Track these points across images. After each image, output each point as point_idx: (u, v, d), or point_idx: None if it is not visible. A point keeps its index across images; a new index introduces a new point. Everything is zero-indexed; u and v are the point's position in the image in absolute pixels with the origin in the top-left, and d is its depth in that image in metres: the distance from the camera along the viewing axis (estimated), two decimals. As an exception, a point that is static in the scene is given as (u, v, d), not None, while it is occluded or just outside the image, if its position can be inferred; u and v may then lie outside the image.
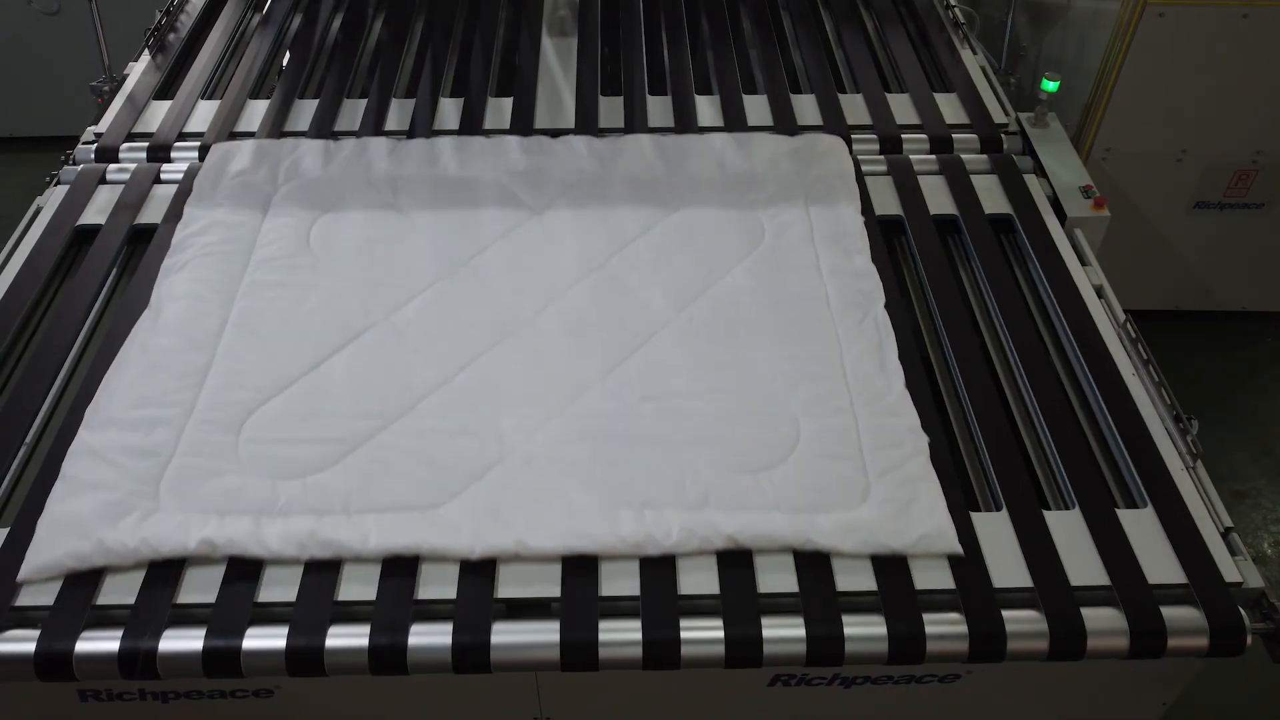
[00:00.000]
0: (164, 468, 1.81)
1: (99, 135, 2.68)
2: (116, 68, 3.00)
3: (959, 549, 1.72)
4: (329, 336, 2.08)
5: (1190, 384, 3.35)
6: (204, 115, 2.74)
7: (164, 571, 1.68)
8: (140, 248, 2.40)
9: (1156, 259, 3.25)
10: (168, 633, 1.61)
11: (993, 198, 2.51)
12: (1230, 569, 1.73)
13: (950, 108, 2.78)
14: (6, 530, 1.76)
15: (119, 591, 1.67)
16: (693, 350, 2.06)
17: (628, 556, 1.71)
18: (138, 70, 2.95)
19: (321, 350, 2.05)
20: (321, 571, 1.69)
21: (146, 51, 3.01)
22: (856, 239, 2.32)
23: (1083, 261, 2.35)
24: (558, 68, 2.97)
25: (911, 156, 2.62)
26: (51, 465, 1.85)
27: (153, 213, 2.45)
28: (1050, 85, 2.67)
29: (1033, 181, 2.56)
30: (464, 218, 2.38)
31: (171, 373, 1.98)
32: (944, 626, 1.64)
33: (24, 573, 1.68)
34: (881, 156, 2.62)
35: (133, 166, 2.58)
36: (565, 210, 2.39)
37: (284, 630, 1.61)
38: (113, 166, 2.58)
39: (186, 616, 1.64)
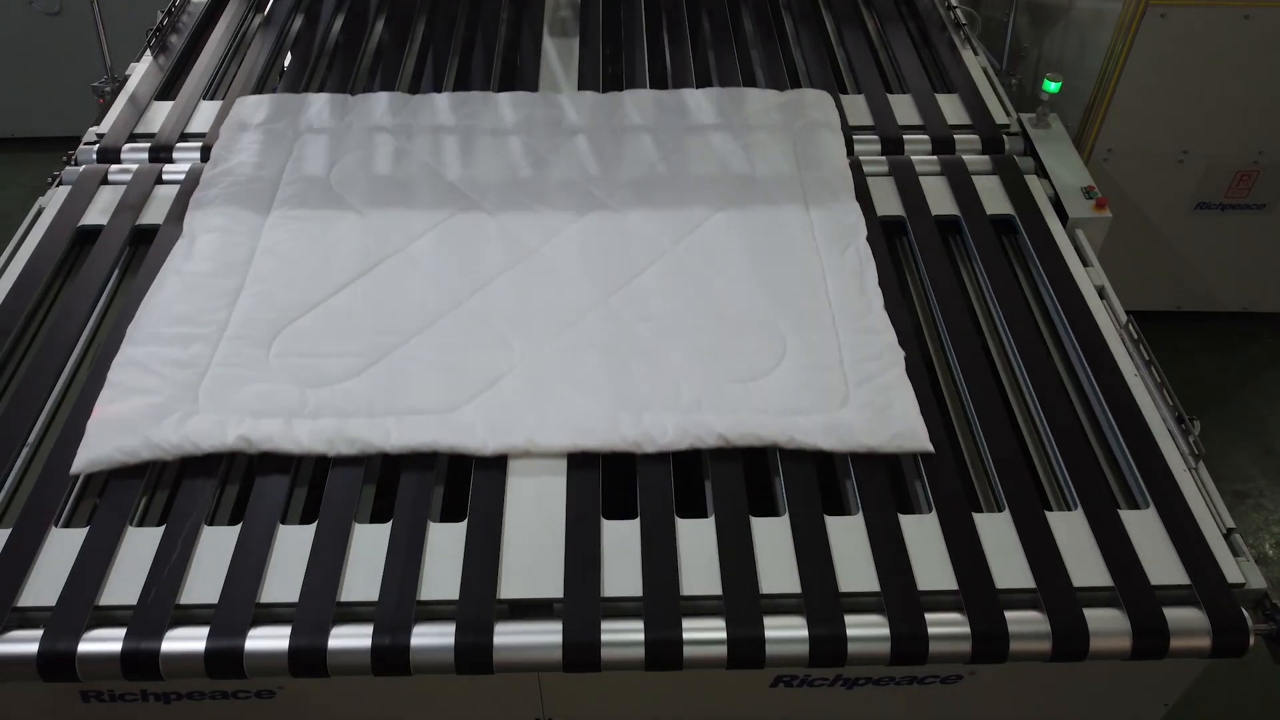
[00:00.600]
0: (201, 376, 1.97)
1: (101, 136, 2.68)
2: (118, 68, 3.00)
3: (929, 447, 1.88)
4: (350, 264, 2.24)
5: (1192, 385, 3.36)
6: (206, 116, 2.75)
7: (166, 571, 1.68)
8: (142, 248, 2.40)
9: (1158, 260, 3.26)
10: (170, 633, 1.61)
11: (994, 198, 2.51)
12: (1232, 570, 1.73)
13: (952, 108, 2.78)
14: (8, 532, 1.76)
15: (121, 592, 1.67)
16: (687, 277, 2.22)
17: (626, 453, 1.86)
18: (139, 71, 2.95)
19: (343, 276, 2.21)
20: (324, 571, 1.69)
21: (148, 52, 3.01)
22: (841, 177, 2.48)
23: (1084, 262, 2.35)
24: (559, 68, 2.98)
25: (913, 157, 2.62)
26: (54, 465, 1.86)
27: (155, 213, 2.45)
28: (1052, 86, 2.67)
29: (1034, 182, 2.56)
30: (472, 160, 2.55)
31: (205, 294, 2.15)
32: (946, 627, 1.64)
33: (77, 466, 1.84)
34: (883, 157, 2.62)
35: (134, 167, 2.58)
36: (569, 155, 2.56)
37: (286, 631, 1.61)
38: (114, 167, 2.58)
39: (189, 617, 1.65)
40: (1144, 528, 1.79)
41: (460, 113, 2.69)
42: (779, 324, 2.11)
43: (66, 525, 1.80)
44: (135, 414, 1.89)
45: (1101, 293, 2.28)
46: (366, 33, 3.12)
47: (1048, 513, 1.81)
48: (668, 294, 2.18)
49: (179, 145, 2.64)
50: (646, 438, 1.87)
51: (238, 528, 1.76)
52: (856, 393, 1.96)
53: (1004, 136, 2.68)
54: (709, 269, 2.25)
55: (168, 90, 2.89)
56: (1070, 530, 1.78)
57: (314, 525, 1.77)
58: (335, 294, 2.18)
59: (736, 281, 2.21)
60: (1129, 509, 1.84)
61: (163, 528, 1.76)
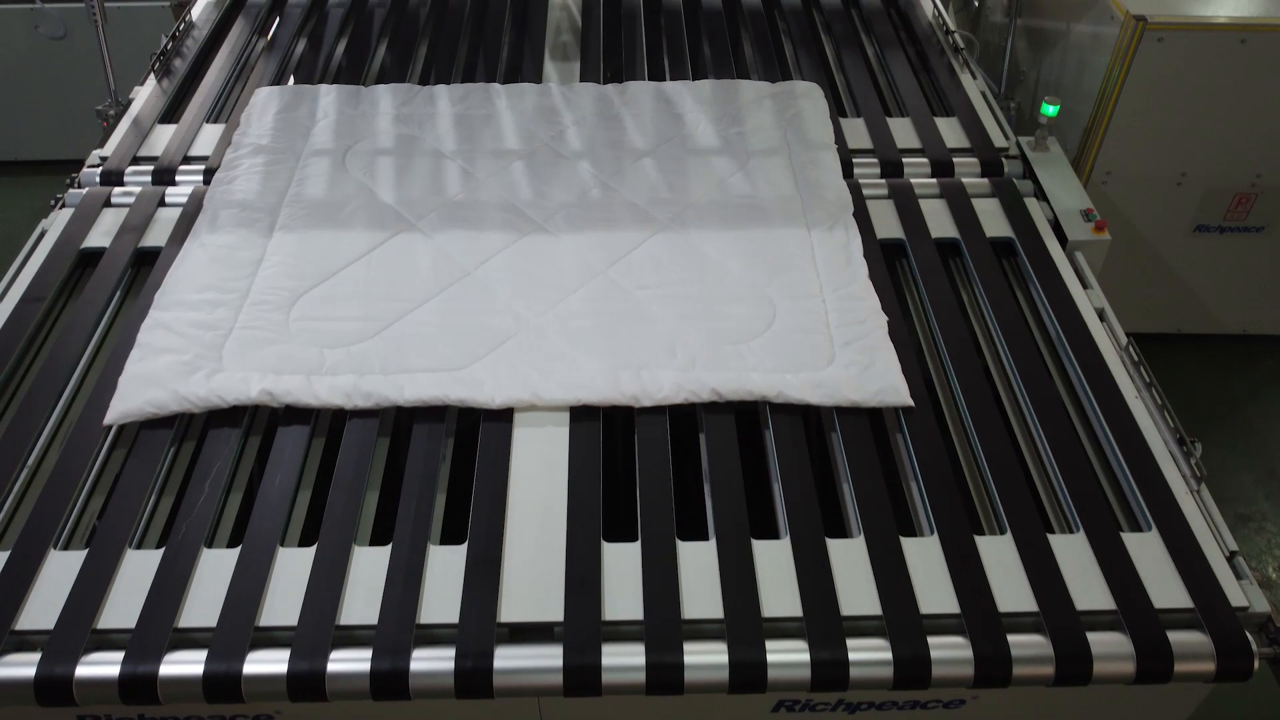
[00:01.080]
0: (225, 338, 2.10)
1: (104, 159, 2.70)
2: (122, 92, 3.02)
3: (910, 401, 2.01)
4: (364, 238, 2.37)
5: (1193, 407, 3.35)
6: (209, 139, 2.76)
7: (165, 595, 1.68)
8: (144, 270, 2.41)
9: (1157, 282, 3.26)
10: (168, 657, 1.60)
11: (994, 221, 2.52)
12: (1236, 593, 1.72)
13: (951, 132, 2.80)
14: (6, 554, 1.76)
15: (119, 615, 1.66)
16: (683, 250, 2.36)
17: (624, 405, 1.99)
18: (143, 94, 2.97)
19: (358, 249, 2.34)
20: (323, 595, 1.68)
21: (152, 76, 3.03)
22: (829, 157, 2.61)
23: (1084, 284, 2.36)
24: (560, 92, 2.99)
25: (912, 180, 2.63)
26: (54, 486, 1.85)
27: (157, 235, 2.46)
28: (1050, 109, 2.68)
29: (1034, 205, 2.57)
30: (481, 145, 2.68)
31: (227, 265, 2.29)
32: (949, 651, 1.63)
33: (109, 417, 1.96)
34: (883, 180, 2.63)
35: (137, 189, 2.59)
36: (575, 143, 2.70)
37: (285, 654, 1.61)
38: (117, 190, 2.59)
39: (187, 640, 1.64)
40: (1146, 550, 1.78)
41: (471, 104, 2.84)
42: (769, 291, 2.24)
43: (65, 547, 1.79)
44: (164, 370, 2.02)
45: (1102, 315, 2.28)
46: (369, 57, 3.14)
47: (1050, 535, 1.80)
48: (664, 265, 2.31)
49: (182, 168, 2.66)
50: (644, 392, 1.99)
51: (237, 550, 1.76)
52: (842, 353, 2.08)
53: (1003, 159, 2.70)
54: (703, 244, 2.37)
55: (171, 113, 2.91)
56: (1072, 553, 1.77)
57: (313, 548, 1.76)
58: (350, 264, 2.30)
59: (729, 253, 2.34)
60: (1131, 531, 1.83)
61: (161, 550, 1.75)
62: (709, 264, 2.32)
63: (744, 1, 3.38)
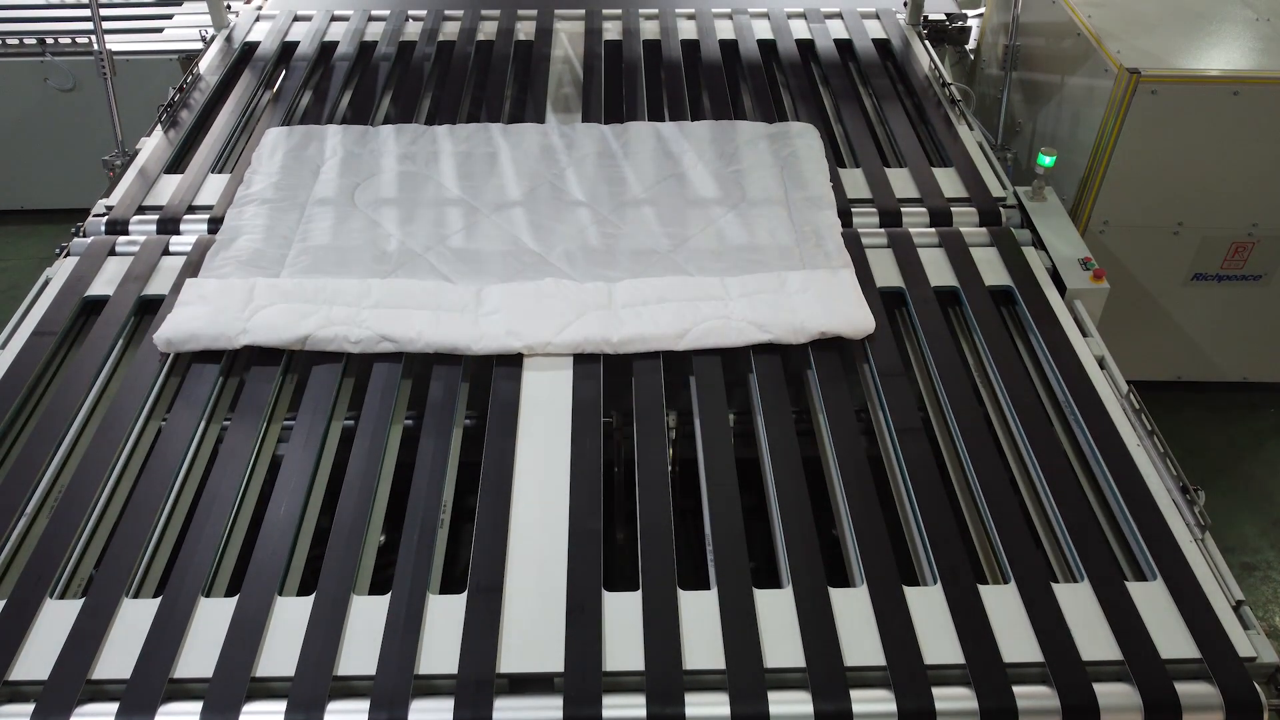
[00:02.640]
0: (262, 304, 2.32)
1: (109, 208, 2.72)
2: (130, 142, 3.06)
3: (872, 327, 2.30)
4: (374, 254, 2.53)
5: (1195, 456, 3.34)
6: (214, 189, 2.79)
7: (162, 644, 1.66)
8: (147, 319, 2.42)
9: (1156, 330, 3.27)
10: (164, 707, 1.58)
11: (993, 269, 2.53)
12: (1244, 643, 1.70)
13: (949, 182, 2.83)
14: (2, 603, 1.74)
15: (114, 666, 1.64)
16: (681, 269, 2.51)
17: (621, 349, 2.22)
18: (150, 145, 3.01)
19: (367, 261, 2.50)
20: (321, 644, 1.66)
21: (159, 127, 3.07)
22: (829, 215, 2.64)
23: (1084, 333, 2.37)
24: (562, 143, 3.03)
25: (911, 229, 2.65)
26: (53, 534, 1.84)
27: (161, 283, 2.47)
28: (1046, 160, 2.72)
29: (1032, 254, 2.59)
30: (485, 179, 2.79)
31: (253, 265, 2.47)
32: (954, 703, 1.61)
33: (159, 341, 2.24)
34: (882, 230, 2.65)
35: (142, 238, 2.61)
36: (577, 179, 2.80)
37: (282, 705, 1.59)
38: (122, 239, 2.61)
39: (183, 691, 1.62)
40: (1152, 600, 1.77)
41: (475, 143, 2.95)
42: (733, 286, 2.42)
43: (62, 596, 1.78)
44: (206, 315, 2.28)
45: (1102, 363, 2.29)
46: (374, 109, 3.18)
47: (1054, 585, 1.79)
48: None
49: (186, 218, 2.68)
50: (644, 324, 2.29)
51: (234, 600, 1.74)
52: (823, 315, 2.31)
53: (1001, 209, 2.72)
54: (704, 265, 2.52)
55: (177, 164, 2.94)
56: (1077, 602, 1.76)
57: (311, 597, 1.75)
58: (364, 273, 2.46)
59: (733, 268, 2.49)
60: (1136, 581, 1.82)
61: (159, 600, 1.74)
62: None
63: (743, 54, 3.44)
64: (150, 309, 2.44)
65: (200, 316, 2.28)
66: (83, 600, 1.74)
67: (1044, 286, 2.48)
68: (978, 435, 2.10)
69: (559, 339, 2.26)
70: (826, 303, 2.33)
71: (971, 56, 3.95)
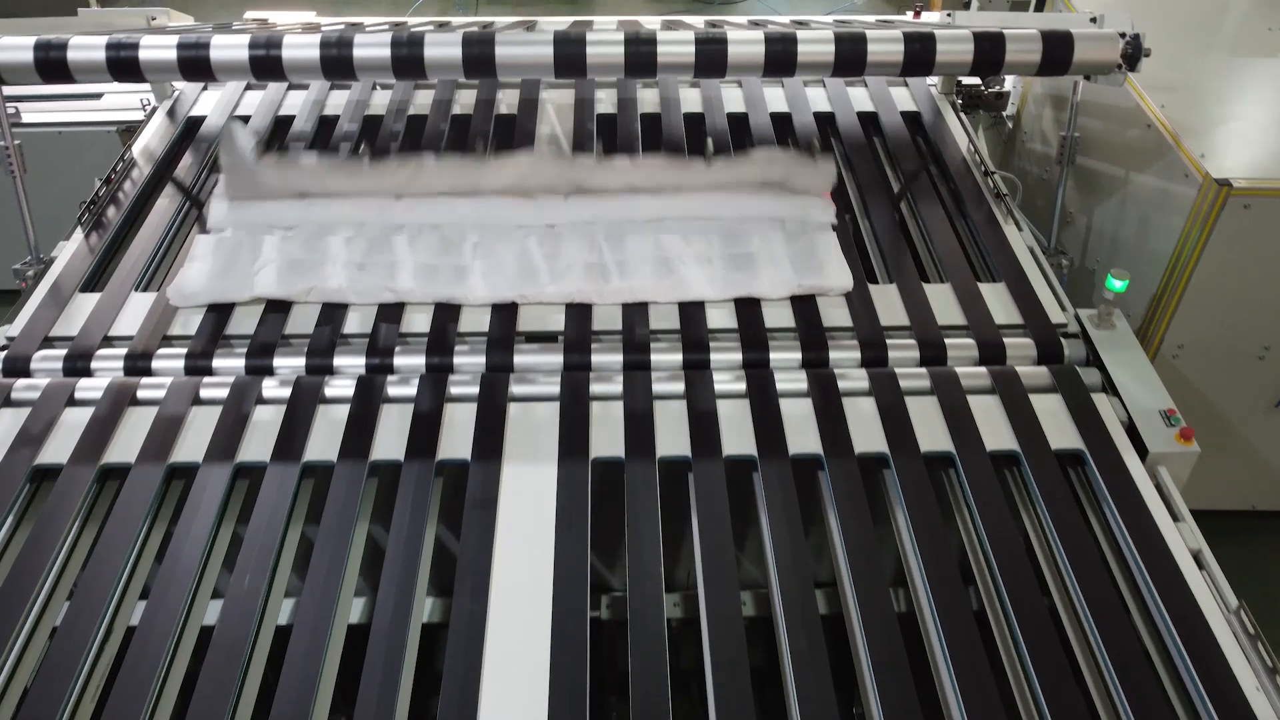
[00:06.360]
0: (261, 271, 2.41)
1: (10, 340, 2.30)
2: (50, 244, 2.64)
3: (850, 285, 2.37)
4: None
5: (1273, 594, 2.93)
6: (137, 311, 2.37)
7: None
8: (46, 485, 2.01)
9: (1232, 457, 2.85)
10: None
11: (1058, 425, 2.12)
12: None
13: (998, 301, 2.41)
14: None
15: None
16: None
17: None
18: (68, 252, 2.58)
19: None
20: None
21: (79, 229, 2.65)
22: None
23: (1174, 516, 1.95)
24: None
25: (959, 369, 2.23)
26: None
27: (58, 448, 2.05)
28: (1118, 284, 2.29)
29: (1103, 402, 2.17)
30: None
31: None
32: None
33: (171, 296, 2.34)
34: (924, 370, 2.23)
35: (44, 382, 2.19)
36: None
37: None
38: (21, 383, 2.19)
39: None
40: None
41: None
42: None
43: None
44: (217, 268, 2.40)
45: (1199, 560, 1.88)
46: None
47: None
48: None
49: (100, 352, 2.26)
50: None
51: None
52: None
53: (1062, 339, 2.31)
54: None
55: (97, 277, 2.52)
56: None
57: None
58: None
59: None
60: None
61: None
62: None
63: (754, 131, 3.02)
64: (49, 476, 2.03)
65: (206, 272, 2.40)
66: None
67: (1121, 450, 2.07)
68: (1042, 634, 1.73)
69: (551, 289, 2.36)
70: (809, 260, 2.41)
71: (1010, 124, 3.53)
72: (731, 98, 3.17)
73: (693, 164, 2.62)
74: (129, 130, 3.46)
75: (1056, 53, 2.52)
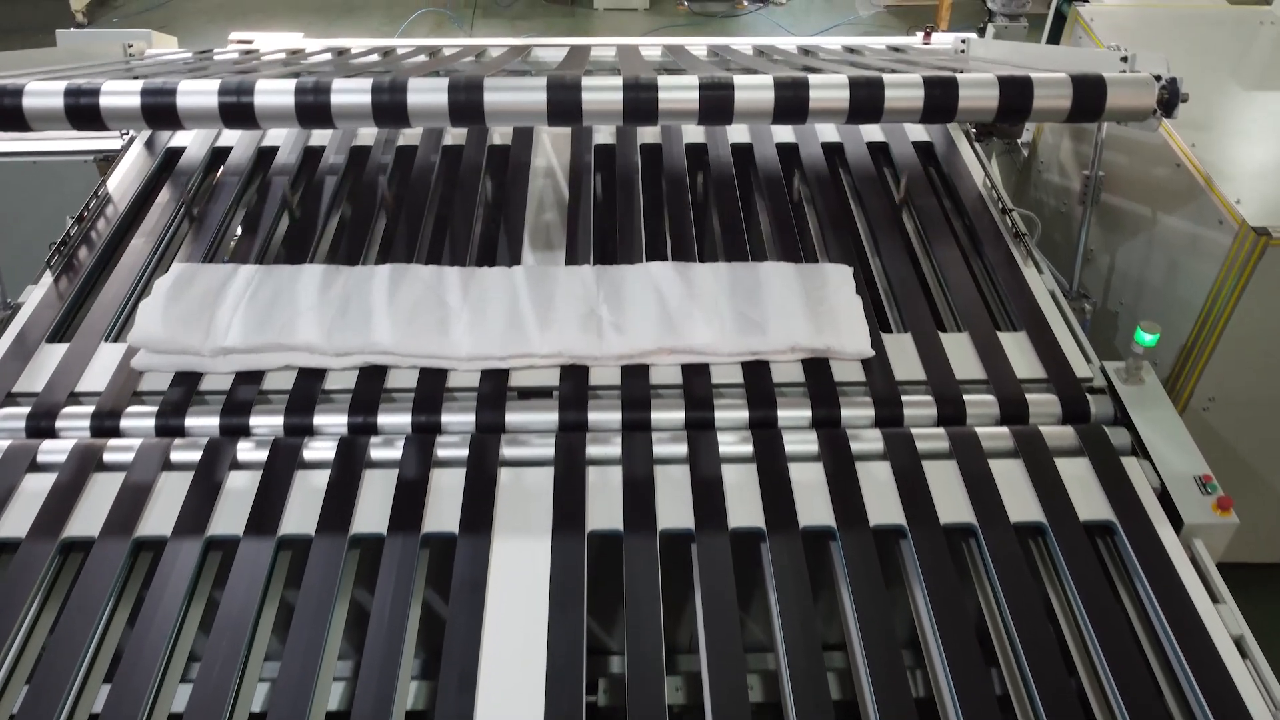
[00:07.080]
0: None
1: (-29, 397, 2.17)
2: (17, 288, 2.50)
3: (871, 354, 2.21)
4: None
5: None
6: (105, 365, 2.23)
7: None
8: (5, 558, 1.88)
9: (1267, 511, 2.71)
10: None
11: (1086, 493, 1.98)
12: None
13: (1019, 353, 2.27)
14: None
15: None
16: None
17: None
18: (35, 298, 2.45)
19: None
20: None
21: (49, 272, 2.51)
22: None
23: (1214, 598, 1.82)
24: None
25: (978, 430, 2.10)
26: None
27: (18, 519, 1.92)
28: (1147, 339, 2.16)
29: (1133, 466, 2.04)
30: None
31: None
32: None
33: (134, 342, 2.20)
34: (942, 430, 2.10)
35: (5, 445, 2.06)
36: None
37: None
38: (-22, 446, 2.06)
39: None
40: None
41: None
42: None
43: None
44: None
45: (1242, 647, 1.74)
46: (315, 239, 2.63)
47: None
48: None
49: (65, 410, 2.13)
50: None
51: None
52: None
53: (1088, 396, 2.17)
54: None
55: (65, 326, 2.39)
56: None
57: None
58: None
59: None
60: None
61: None
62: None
63: (759, 163, 2.88)
64: (7, 549, 1.89)
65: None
66: None
67: (1155, 521, 1.93)
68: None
69: (542, 349, 2.20)
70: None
71: (1024, 152, 3.39)
72: (736, 128, 3.03)
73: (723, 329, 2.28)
74: (107, 160, 3.32)
75: (1088, 100, 2.32)
